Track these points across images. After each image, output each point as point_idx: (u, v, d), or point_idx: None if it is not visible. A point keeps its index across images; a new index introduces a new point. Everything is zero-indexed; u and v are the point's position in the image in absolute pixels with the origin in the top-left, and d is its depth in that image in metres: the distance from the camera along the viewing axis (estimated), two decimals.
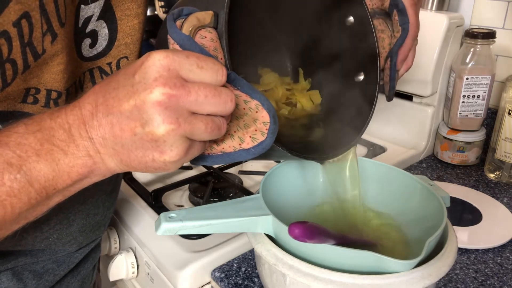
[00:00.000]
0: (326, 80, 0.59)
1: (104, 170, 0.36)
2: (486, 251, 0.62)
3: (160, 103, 0.31)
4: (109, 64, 0.50)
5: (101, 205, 0.61)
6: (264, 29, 0.58)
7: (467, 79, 0.83)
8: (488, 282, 0.56)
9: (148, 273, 0.64)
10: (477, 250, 0.62)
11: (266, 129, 0.37)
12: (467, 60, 0.83)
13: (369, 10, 0.53)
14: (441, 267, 0.40)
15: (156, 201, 0.72)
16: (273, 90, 0.58)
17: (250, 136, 0.38)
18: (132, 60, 0.51)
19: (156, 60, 0.32)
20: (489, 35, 0.80)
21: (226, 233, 0.62)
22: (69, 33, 0.43)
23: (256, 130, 0.38)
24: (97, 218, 0.61)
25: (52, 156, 0.34)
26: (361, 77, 0.56)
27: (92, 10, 0.45)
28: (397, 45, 0.56)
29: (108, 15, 0.47)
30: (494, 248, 0.63)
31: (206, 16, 0.38)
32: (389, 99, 0.58)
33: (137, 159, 0.34)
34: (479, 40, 0.81)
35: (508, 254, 0.61)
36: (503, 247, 0.63)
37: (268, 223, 0.44)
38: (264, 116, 0.37)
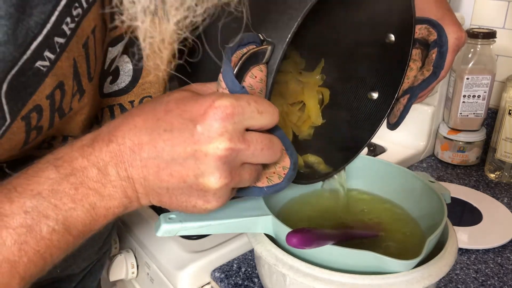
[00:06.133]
0: (339, 86, 0.57)
1: (137, 206, 0.35)
2: (486, 251, 0.62)
3: (221, 158, 0.30)
4: (131, 102, 0.47)
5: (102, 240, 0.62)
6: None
7: (467, 79, 0.83)
8: (489, 282, 0.56)
9: (148, 274, 0.64)
10: (477, 250, 0.62)
11: (284, 174, 0.37)
12: (468, 60, 0.83)
13: (414, 37, 0.50)
14: (442, 267, 0.40)
15: None
16: (286, 83, 0.56)
17: (266, 177, 0.38)
18: None
19: (221, 112, 0.30)
20: (490, 35, 0.80)
21: (226, 233, 0.62)
22: (95, 84, 0.41)
23: (274, 173, 0.38)
24: (99, 244, 0.62)
25: (88, 200, 0.32)
26: (375, 96, 0.54)
27: (118, 49, 0.43)
28: (420, 88, 0.53)
29: (133, 50, 0.44)
30: (494, 248, 0.62)
31: (263, 52, 0.36)
32: (390, 128, 0.56)
33: (178, 203, 0.33)
34: (479, 40, 0.81)
35: (508, 254, 0.61)
36: (503, 247, 0.63)
37: (268, 223, 0.44)
38: (285, 162, 0.37)
